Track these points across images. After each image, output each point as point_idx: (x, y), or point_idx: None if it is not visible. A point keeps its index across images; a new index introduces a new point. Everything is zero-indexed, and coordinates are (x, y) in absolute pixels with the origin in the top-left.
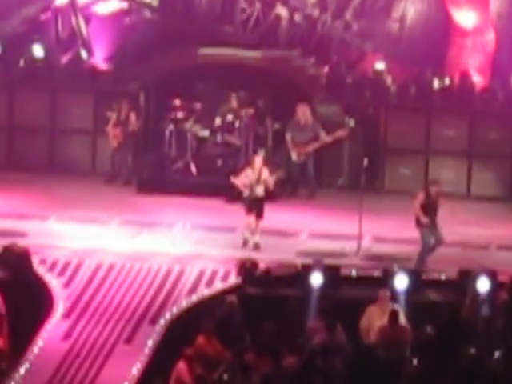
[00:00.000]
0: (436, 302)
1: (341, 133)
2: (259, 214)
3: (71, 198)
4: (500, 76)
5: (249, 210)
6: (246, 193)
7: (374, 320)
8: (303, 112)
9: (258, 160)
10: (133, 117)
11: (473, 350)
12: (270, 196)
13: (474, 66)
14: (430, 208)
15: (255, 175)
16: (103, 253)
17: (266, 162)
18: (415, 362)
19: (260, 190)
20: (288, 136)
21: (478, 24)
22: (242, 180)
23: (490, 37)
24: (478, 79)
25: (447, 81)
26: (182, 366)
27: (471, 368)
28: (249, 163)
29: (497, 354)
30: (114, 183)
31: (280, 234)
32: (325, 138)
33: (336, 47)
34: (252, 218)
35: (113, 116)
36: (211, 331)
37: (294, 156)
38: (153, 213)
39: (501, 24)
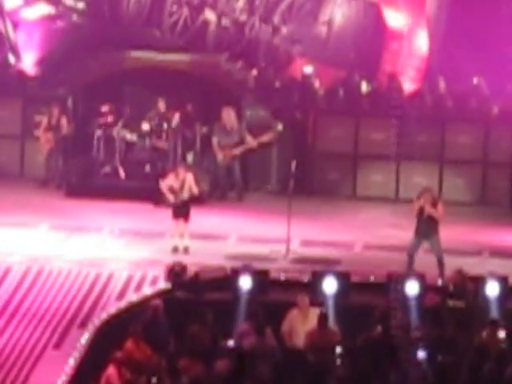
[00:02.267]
0: (364, 305)
1: (267, 137)
2: (186, 219)
3: (0, 203)
4: (429, 79)
5: (175, 214)
6: (171, 198)
7: (296, 324)
8: (228, 116)
9: (181, 170)
10: (64, 121)
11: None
12: (198, 200)
13: (406, 69)
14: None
15: (179, 183)
16: (32, 257)
17: (193, 167)
18: (342, 366)
19: (185, 196)
20: (214, 140)
21: (412, 27)
22: (166, 185)
23: (423, 40)
24: (408, 82)
25: (375, 84)
26: (111, 370)
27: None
28: (173, 170)
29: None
30: (47, 187)
31: (209, 238)
32: (250, 141)
33: (264, 51)
34: (180, 222)
35: (44, 120)
36: (139, 335)
37: (219, 159)
38: (81, 217)
39: (432, 27)
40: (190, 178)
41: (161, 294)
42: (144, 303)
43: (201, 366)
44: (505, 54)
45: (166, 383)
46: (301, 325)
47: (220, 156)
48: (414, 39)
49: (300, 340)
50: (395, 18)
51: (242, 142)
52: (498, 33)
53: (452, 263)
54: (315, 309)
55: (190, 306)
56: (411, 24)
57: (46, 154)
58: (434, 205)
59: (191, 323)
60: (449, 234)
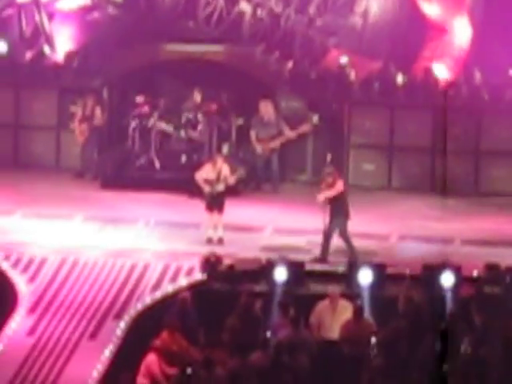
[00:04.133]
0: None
1: (304, 128)
2: (220, 210)
3: (36, 194)
4: (465, 70)
5: (209, 205)
6: (206, 189)
7: (324, 316)
8: (266, 108)
9: (219, 160)
10: (98, 112)
11: (437, 345)
12: (233, 192)
13: (445, 60)
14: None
15: (215, 173)
16: (67, 248)
17: (229, 158)
18: (378, 356)
19: (220, 187)
20: (252, 132)
21: (451, 18)
22: (201, 177)
23: (462, 31)
24: (445, 73)
25: (410, 75)
26: (151, 357)
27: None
28: (210, 159)
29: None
30: (83, 178)
31: (244, 229)
32: (289, 133)
33: (299, 42)
34: (214, 214)
35: (78, 111)
36: (175, 327)
37: (258, 151)
38: (117, 208)
39: (470, 18)
40: (226, 168)
41: (196, 285)
42: (179, 294)
43: (237, 358)
44: None
45: (201, 375)
46: (329, 317)
47: (259, 149)
48: (452, 30)
49: (327, 332)
50: (434, 9)
51: (279, 134)
52: None
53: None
54: (345, 301)
55: (226, 297)
56: (450, 15)
57: (81, 145)
58: (333, 185)
59: (228, 314)
60: (489, 225)
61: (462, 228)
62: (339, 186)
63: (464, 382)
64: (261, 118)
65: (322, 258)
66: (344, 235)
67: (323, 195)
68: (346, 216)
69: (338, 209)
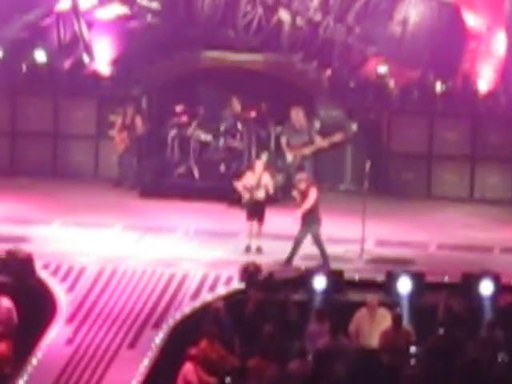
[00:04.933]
0: (439, 306)
1: (337, 137)
2: (260, 218)
3: (74, 203)
4: (503, 80)
5: (250, 214)
6: (246, 197)
7: (363, 324)
8: (297, 115)
9: (259, 164)
10: (138, 121)
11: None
12: (272, 200)
13: (484, 69)
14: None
15: (255, 179)
16: (106, 257)
17: (268, 165)
18: (416, 366)
19: (261, 194)
20: (283, 139)
21: (490, 27)
22: (242, 183)
23: (501, 40)
24: (485, 83)
25: (449, 84)
26: (188, 366)
27: (474, 371)
28: (250, 167)
29: (500, 357)
30: (121, 187)
31: (283, 238)
32: (319, 142)
33: (338, 51)
34: (253, 222)
35: (118, 120)
36: (214, 335)
37: (289, 158)
38: (156, 217)
39: (509, 28)
40: (266, 176)
41: (235, 294)
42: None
43: (275, 366)
44: None
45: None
46: (368, 325)
47: (290, 156)
48: (492, 40)
49: (366, 340)
50: (473, 18)
51: (311, 141)
52: None
53: None
54: (384, 309)
55: (265, 305)
56: (489, 24)
57: (120, 154)
58: (305, 194)
59: (266, 322)
60: None
61: (501, 236)
62: (313, 194)
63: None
64: (292, 125)
65: (288, 262)
66: (318, 241)
67: (301, 210)
68: (319, 222)
69: (312, 216)
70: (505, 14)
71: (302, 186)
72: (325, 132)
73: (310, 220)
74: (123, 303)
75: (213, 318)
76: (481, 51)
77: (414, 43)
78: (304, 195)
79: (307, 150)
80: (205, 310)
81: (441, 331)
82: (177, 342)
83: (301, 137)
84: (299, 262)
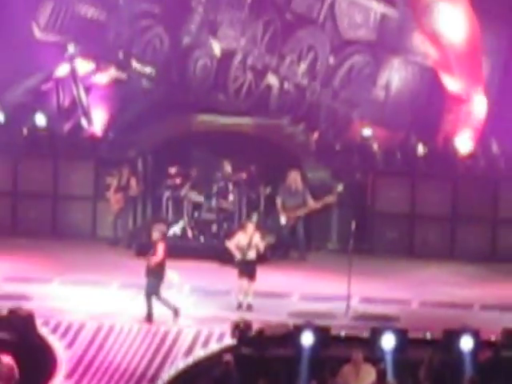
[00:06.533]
0: (422, 361)
1: (329, 199)
2: (251, 277)
3: (73, 262)
4: (483, 141)
5: (241, 272)
6: (238, 256)
7: (348, 379)
8: (295, 178)
9: (250, 226)
10: (133, 182)
11: None
12: (262, 259)
13: (464, 131)
14: None
15: (247, 240)
16: (104, 314)
17: (258, 226)
18: None
19: (252, 254)
20: (279, 200)
21: (469, 91)
22: (234, 244)
23: (480, 104)
24: (464, 144)
25: (431, 146)
26: None
27: None
28: (241, 227)
29: None
30: (117, 247)
31: (272, 296)
32: (312, 204)
33: (324, 114)
34: (244, 281)
35: (114, 182)
36: None
37: (283, 220)
38: None
39: (486, 91)
40: (256, 236)
41: (227, 350)
42: (211, 359)
43: None
44: None
45: None
46: (353, 380)
47: (284, 217)
48: (471, 102)
49: None
50: (452, 82)
51: (305, 203)
52: None
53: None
54: (368, 365)
55: (256, 361)
56: (468, 87)
57: (116, 215)
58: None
59: (259, 379)
60: (507, 291)
61: (481, 294)
62: (161, 248)
63: None
64: (288, 187)
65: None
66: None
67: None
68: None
69: (157, 269)
70: (483, 76)
71: (155, 236)
72: (312, 192)
73: (156, 272)
74: (120, 359)
75: (223, 370)
76: (461, 114)
77: (396, 107)
78: (155, 246)
79: (301, 212)
80: (198, 366)
81: None
82: None
83: (295, 199)
84: (287, 319)
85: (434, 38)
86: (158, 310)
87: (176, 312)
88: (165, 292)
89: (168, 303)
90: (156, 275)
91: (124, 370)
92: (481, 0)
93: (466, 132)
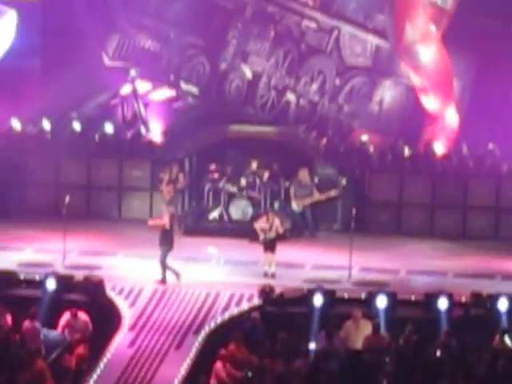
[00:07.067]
0: (407, 317)
1: (332, 193)
2: (273, 251)
3: (134, 239)
4: (455, 145)
5: (265, 248)
6: (262, 236)
7: (350, 332)
8: (304, 174)
9: (271, 214)
10: (181, 177)
11: (438, 353)
12: (282, 238)
13: (439, 138)
14: None
15: (268, 224)
16: (180, 280)
17: (278, 212)
18: (391, 362)
19: (272, 234)
20: (292, 191)
21: (443, 106)
22: (259, 226)
23: (453, 116)
24: (440, 148)
25: (414, 149)
26: (218, 364)
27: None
28: (264, 214)
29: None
30: None
31: (290, 266)
32: (316, 195)
33: (331, 124)
34: (268, 254)
35: (165, 177)
36: (240, 340)
37: (294, 206)
38: (195, 250)
39: (458, 106)
40: (276, 221)
41: (255, 309)
42: (242, 315)
43: (283, 363)
44: None
45: (258, 377)
46: (354, 332)
47: (294, 204)
48: (445, 116)
49: (352, 343)
50: (430, 101)
51: (311, 194)
52: (508, 109)
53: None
54: (366, 320)
55: (277, 317)
56: (443, 105)
57: (167, 203)
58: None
59: (280, 331)
60: (474, 262)
61: (454, 264)
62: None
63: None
64: (299, 181)
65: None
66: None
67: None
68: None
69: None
70: (454, 95)
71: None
72: (322, 185)
73: (166, 243)
74: (171, 315)
75: (251, 325)
76: (437, 125)
77: (387, 118)
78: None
79: (308, 201)
80: (232, 321)
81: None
82: (211, 345)
83: (304, 190)
84: (302, 284)
85: (414, 69)
86: (202, 276)
87: (178, 276)
88: (205, 263)
89: (173, 269)
90: (166, 245)
91: (174, 323)
92: (452, 33)
93: (442, 139)
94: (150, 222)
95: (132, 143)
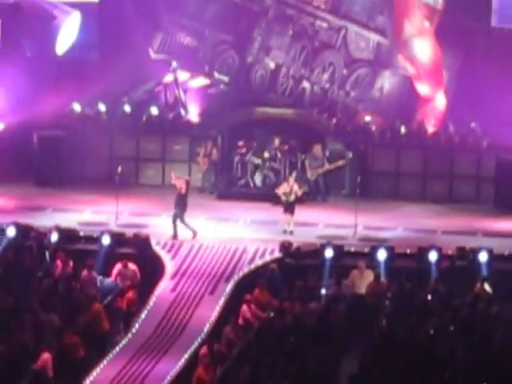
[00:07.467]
0: (403, 268)
1: (339, 163)
2: (292, 212)
3: None
4: (443, 124)
5: (285, 209)
6: (283, 199)
7: (355, 280)
8: (317, 149)
9: (291, 179)
10: (214, 151)
11: (429, 297)
12: (299, 201)
13: (430, 118)
14: None
15: (289, 189)
16: (196, 237)
17: (296, 180)
18: (389, 304)
19: (292, 198)
20: (306, 162)
21: (434, 92)
22: (280, 191)
23: (441, 100)
24: (430, 127)
25: (409, 128)
26: (245, 307)
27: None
28: (285, 180)
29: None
30: (204, 193)
31: (305, 225)
32: (327, 166)
33: (340, 107)
34: (288, 215)
35: (201, 150)
36: (263, 286)
37: (309, 175)
38: (226, 212)
39: (446, 92)
40: (295, 186)
41: (276, 261)
42: (266, 266)
43: (300, 305)
44: (493, 107)
45: (279, 317)
46: (359, 280)
47: (309, 173)
48: (435, 98)
49: (358, 289)
50: (422, 88)
51: (323, 165)
52: (487, 94)
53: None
54: (369, 270)
55: (295, 268)
56: (433, 91)
57: (203, 173)
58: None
59: (297, 279)
60: (458, 222)
61: (442, 224)
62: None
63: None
64: (313, 154)
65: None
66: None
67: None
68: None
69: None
70: (443, 83)
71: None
72: (332, 158)
73: (181, 205)
74: (206, 266)
75: (269, 274)
76: (428, 107)
77: (387, 102)
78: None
79: (320, 171)
80: (257, 270)
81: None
82: (240, 291)
83: (317, 162)
84: (315, 240)
85: (411, 60)
86: (232, 233)
87: (194, 234)
88: (234, 223)
89: (190, 226)
90: (181, 207)
91: (209, 273)
92: (442, 31)
93: (432, 119)
94: (173, 176)
95: (173, 123)
